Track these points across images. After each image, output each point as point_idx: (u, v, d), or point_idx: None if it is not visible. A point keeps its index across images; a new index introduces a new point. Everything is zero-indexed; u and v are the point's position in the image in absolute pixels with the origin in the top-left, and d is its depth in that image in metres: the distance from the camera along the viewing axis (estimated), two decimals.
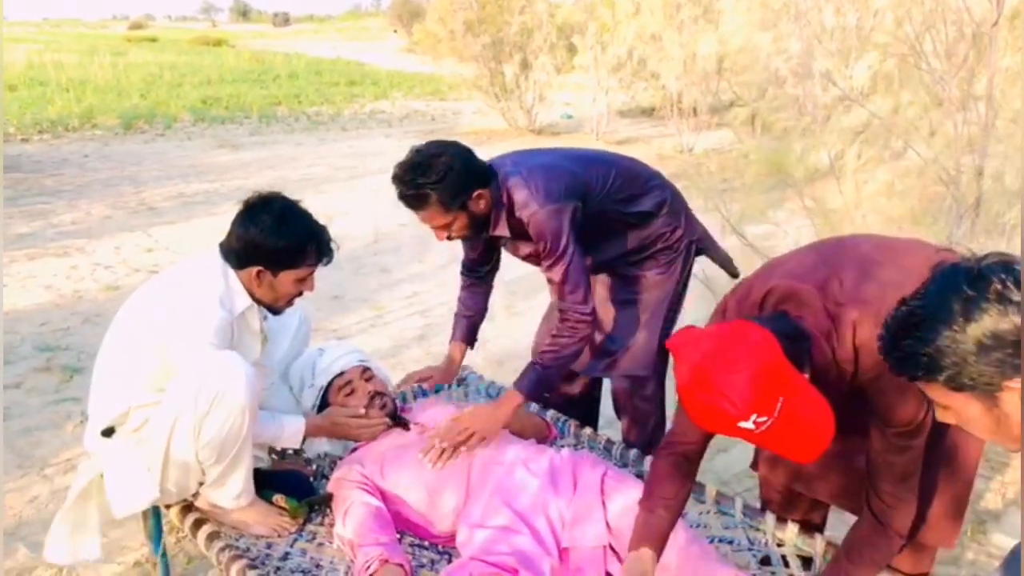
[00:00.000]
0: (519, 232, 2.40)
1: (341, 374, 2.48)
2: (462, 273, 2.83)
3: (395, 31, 30.71)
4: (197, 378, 1.97)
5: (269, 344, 2.41)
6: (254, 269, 2.10)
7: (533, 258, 2.49)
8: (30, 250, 6.03)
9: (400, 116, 14.21)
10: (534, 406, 2.74)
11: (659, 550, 1.81)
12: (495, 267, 2.79)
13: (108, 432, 2.10)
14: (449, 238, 2.41)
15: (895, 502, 1.66)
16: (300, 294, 2.22)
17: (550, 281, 2.45)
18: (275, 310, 2.23)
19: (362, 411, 2.36)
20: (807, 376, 1.51)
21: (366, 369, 2.50)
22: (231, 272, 2.13)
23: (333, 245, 2.21)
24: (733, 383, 1.40)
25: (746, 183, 3.57)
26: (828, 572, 1.78)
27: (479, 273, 2.79)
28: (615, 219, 2.52)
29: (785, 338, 1.48)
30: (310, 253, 2.14)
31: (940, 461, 1.87)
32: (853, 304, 1.58)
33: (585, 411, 2.88)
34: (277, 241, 2.09)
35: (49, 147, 10.39)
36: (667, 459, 1.87)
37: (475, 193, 2.32)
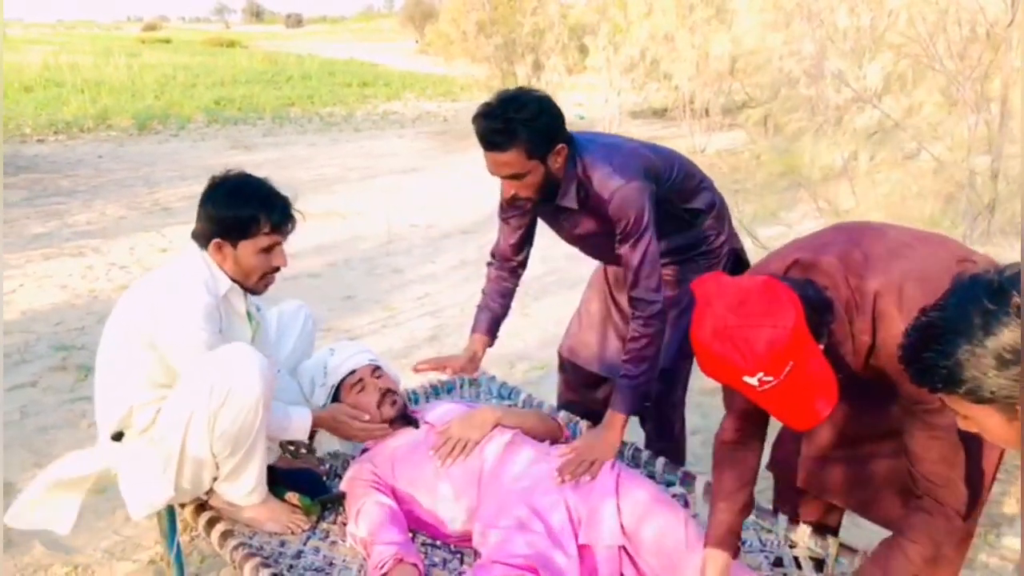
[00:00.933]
0: (587, 207, 2.30)
1: (352, 372, 2.48)
2: (490, 264, 2.71)
3: (416, 41, 30.59)
4: (211, 370, 1.99)
5: (273, 339, 2.42)
6: (214, 242, 2.12)
7: (593, 238, 2.39)
8: (46, 250, 6.08)
9: (412, 117, 14.25)
10: (547, 406, 2.75)
11: (730, 547, 1.85)
12: (525, 262, 2.68)
13: (117, 436, 2.12)
14: (514, 199, 2.30)
15: (942, 480, 1.61)
16: (275, 270, 2.21)
17: (625, 265, 2.30)
18: (251, 289, 2.22)
19: (366, 417, 2.37)
20: (822, 348, 1.51)
21: (377, 368, 2.51)
22: (210, 260, 2.15)
23: (295, 213, 2.19)
24: (750, 339, 1.41)
25: (758, 184, 3.57)
26: (881, 550, 1.69)
27: (510, 265, 2.67)
28: (670, 212, 2.43)
29: (810, 306, 1.48)
30: (263, 221, 2.12)
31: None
32: (874, 276, 1.58)
33: (594, 414, 2.86)
34: (229, 211, 2.12)
35: (64, 147, 10.47)
36: (719, 451, 1.91)
37: (558, 146, 2.19)
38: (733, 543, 1.87)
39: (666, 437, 2.72)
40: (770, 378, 1.42)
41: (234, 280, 2.17)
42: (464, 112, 14.69)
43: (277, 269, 2.21)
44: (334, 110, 14.90)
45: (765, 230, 3.83)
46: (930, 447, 1.60)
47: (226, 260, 2.14)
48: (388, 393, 2.41)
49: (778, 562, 2.08)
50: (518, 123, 2.11)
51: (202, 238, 2.15)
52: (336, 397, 2.47)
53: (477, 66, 11.85)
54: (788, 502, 2.21)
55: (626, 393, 2.30)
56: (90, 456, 2.23)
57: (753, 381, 1.43)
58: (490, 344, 2.70)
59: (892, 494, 1.90)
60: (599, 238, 2.36)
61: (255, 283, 2.20)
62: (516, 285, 2.69)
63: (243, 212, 2.12)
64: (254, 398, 2.00)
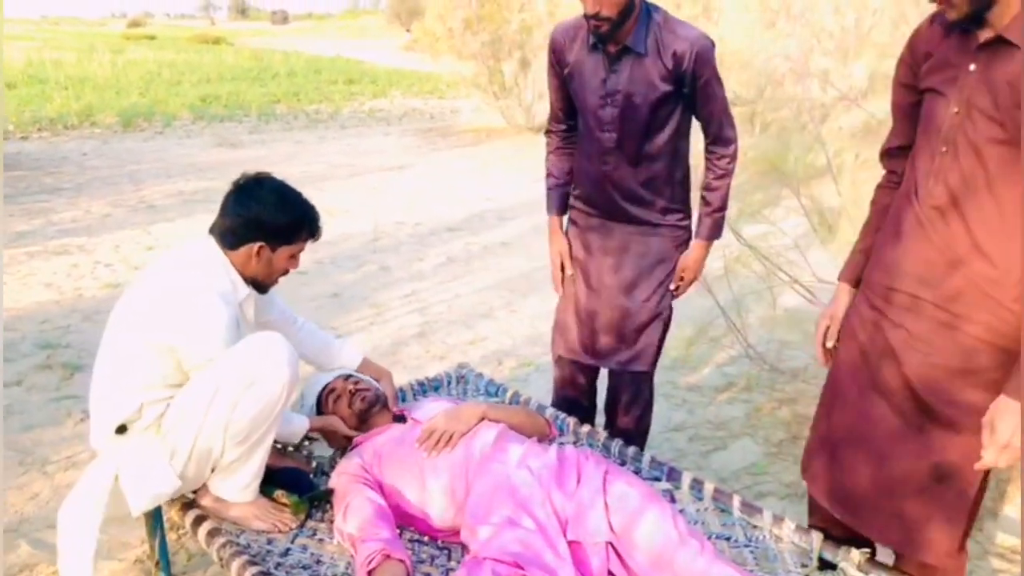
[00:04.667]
0: (652, 53, 2.37)
1: (325, 387, 2.58)
2: (547, 133, 2.77)
3: (408, 31, 30.39)
4: (242, 355, 2.03)
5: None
6: (255, 246, 2.15)
7: (632, 97, 2.42)
8: (30, 248, 6.03)
9: (399, 114, 14.22)
10: (534, 403, 2.76)
11: (854, 278, 2.03)
12: (576, 127, 2.67)
13: (121, 429, 2.11)
14: (596, 17, 2.28)
15: None
16: (287, 272, 2.29)
17: (708, 114, 2.47)
18: (264, 287, 2.28)
19: (352, 434, 2.46)
20: None
21: (348, 376, 2.61)
22: (228, 261, 2.17)
23: (321, 222, 2.29)
24: None
25: (743, 182, 3.58)
26: None
27: (565, 127, 2.70)
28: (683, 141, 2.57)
29: None
30: (306, 228, 2.23)
31: (941, 480, 1.83)
32: None
33: (588, 408, 2.90)
34: (280, 216, 2.17)
35: (48, 145, 10.40)
36: (883, 163, 2.02)
37: None
38: (853, 276, 2.03)
39: (639, 423, 2.78)
40: None
41: (253, 280, 2.22)
42: (450, 110, 14.69)
43: (288, 271, 2.30)
44: (320, 107, 14.85)
45: (750, 228, 3.85)
46: None
47: (259, 262, 2.18)
48: (358, 391, 2.51)
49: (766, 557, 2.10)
50: None
51: (235, 238, 2.15)
52: (319, 413, 2.59)
53: (463, 63, 11.80)
54: (819, 515, 2.16)
55: (708, 223, 2.59)
56: (98, 477, 2.18)
57: None
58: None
59: (917, 519, 1.88)
60: (639, 97, 2.41)
61: (272, 283, 2.29)
62: (573, 149, 2.72)
63: (292, 218, 2.19)
64: (280, 386, 2.04)
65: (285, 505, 2.22)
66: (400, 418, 2.46)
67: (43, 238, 6.31)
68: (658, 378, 3.95)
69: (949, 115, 1.70)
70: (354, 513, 2.08)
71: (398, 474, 2.22)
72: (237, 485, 2.15)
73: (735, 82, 7.72)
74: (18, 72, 17.20)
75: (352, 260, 5.94)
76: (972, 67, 1.66)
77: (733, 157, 2.52)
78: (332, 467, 2.43)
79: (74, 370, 3.96)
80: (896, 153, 1.97)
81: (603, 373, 2.85)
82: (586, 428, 2.63)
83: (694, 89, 2.40)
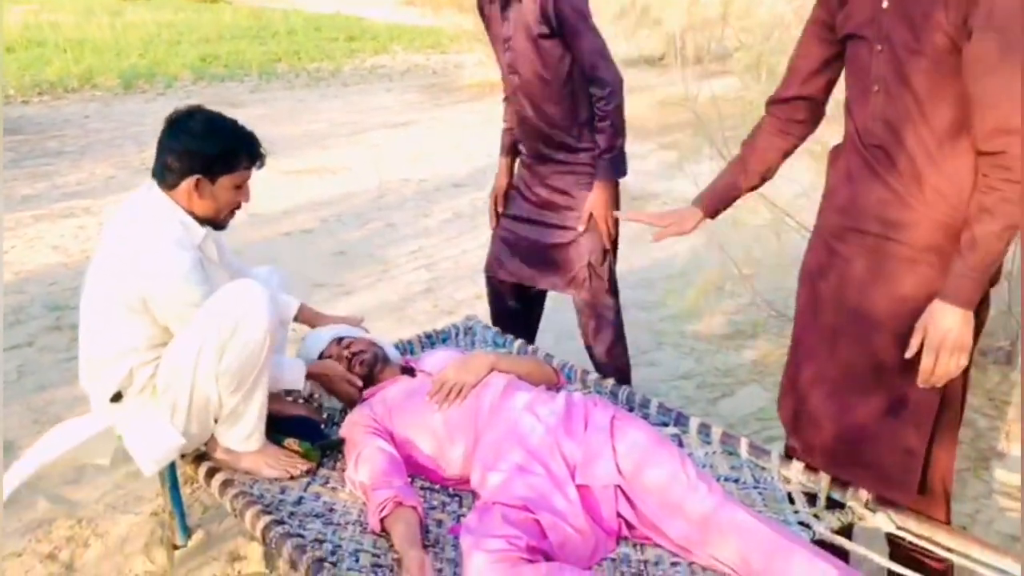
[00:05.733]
0: None
1: (321, 354, 2.53)
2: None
3: None
4: (220, 304, 2.02)
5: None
6: (192, 179, 2.08)
7: (524, 41, 2.64)
8: (36, 211, 6.04)
9: (401, 71, 14.06)
10: (542, 353, 2.77)
11: (710, 208, 2.16)
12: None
13: (116, 397, 2.13)
14: None
15: (1012, 96, 1.56)
16: (239, 206, 2.23)
17: (578, 57, 2.62)
18: (218, 224, 2.23)
19: (354, 384, 2.44)
20: None
21: (341, 339, 2.55)
22: (175, 204, 2.12)
23: (263, 149, 2.22)
24: None
25: (749, 130, 3.55)
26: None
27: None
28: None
29: None
30: (244, 155, 2.16)
31: (897, 412, 1.85)
32: None
33: (527, 323, 3.12)
34: (211, 145, 2.10)
35: (50, 108, 10.34)
36: (768, 107, 2.08)
37: None
38: (711, 205, 2.16)
39: (609, 351, 2.91)
40: None
41: (204, 219, 2.16)
42: (453, 64, 14.53)
43: (239, 206, 2.23)
44: (321, 65, 14.69)
45: None
46: (1007, 78, 1.55)
47: (202, 197, 2.12)
48: (355, 355, 2.47)
49: (773, 498, 2.12)
50: None
51: (174, 175, 2.10)
52: None
53: (465, 16, 11.61)
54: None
55: (607, 164, 2.69)
56: (91, 420, 2.23)
57: None
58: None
59: (871, 450, 1.90)
60: (523, 40, 2.64)
61: (224, 219, 2.22)
62: None
63: (225, 146, 2.12)
64: (263, 329, 2.04)
65: (296, 452, 2.24)
66: (408, 370, 2.47)
67: (48, 201, 6.31)
68: (665, 327, 3.97)
69: (874, 54, 1.74)
70: (365, 462, 2.10)
71: (409, 425, 2.24)
72: (241, 434, 2.17)
73: (740, 28, 7.59)
74: (16, 36, 17.02)
75: (357, 218, 5.93)
76: (885, 4, 1.70)
77: (609, 99, 2.61)
78: (343, 418, 2.45)
79: None
80: (784, 103, 2.04)
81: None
82: (593, 376, 2.64)
83: (563, 29, 2.58)
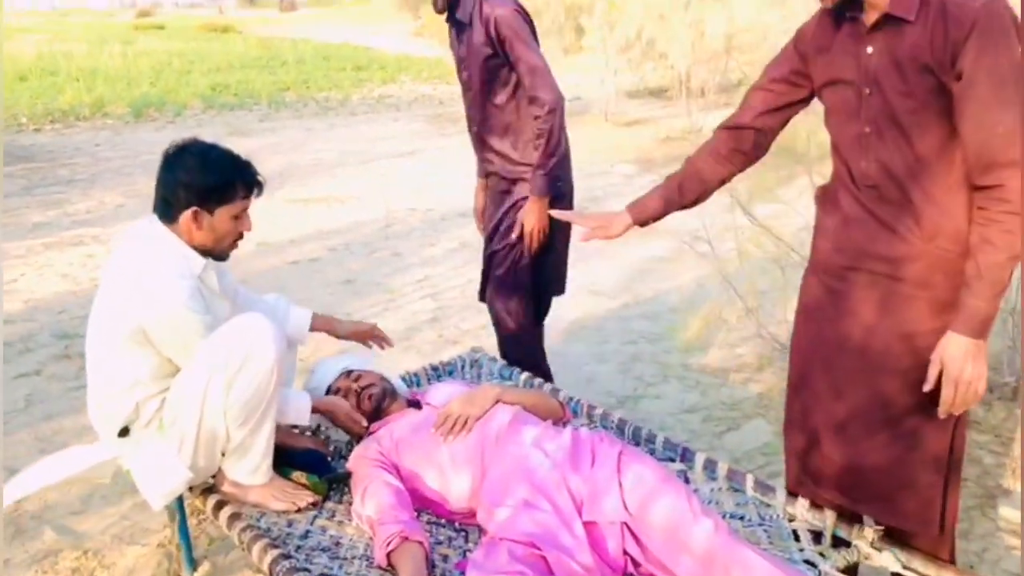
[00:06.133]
0: (477, 22, 2.75)
1: (329, 388, 2.54)
2: None
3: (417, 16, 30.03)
4: (227, 338, 2.04)
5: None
6: (189, 211, 2.10)
7: (474, 59, 2.79)
8: (46, 239, 6.09)
9: (408, 100, 14.20)
10: (547, 386, 2.78)
11: (640, 219, 2.17)
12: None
13: (124, 432, 2.15)
14: None
15: (1004, 131, 1.60)
16: (241, 236, 2.24)
17: (520, 77, 2.76)
18: (219, 255, 2.24)
19: (362, 422, 2.44)
20: None
21: (350, 372, 2.56)
22: (175, 236, 2.13)
23: (260, 177, 2.23)
24: None
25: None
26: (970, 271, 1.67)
27: None
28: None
29: None
30: (240, 186, 2.16)
31: (914, 447, 1.86)
32: None
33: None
34: (206, 177, 2.11)
35: (61, 136, 10.45)
36: (717, 132, 2.11)
37: None
38: (641, 214, 2.17)
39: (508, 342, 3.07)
40: None
41: (204, 251, 2.18)
42: (459, 94, 14.66)
43: (241, 236, 2.24)
44: (330, 94, 14.84)
45: (762, 208, 3.85)
46: (998, 97, 1.59)
47: (201, 229, 2.13)
48: (364, 389, 2.47)
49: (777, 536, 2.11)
50: None
51: (172, 208, 2.12)
52: None
53: None
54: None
55: (541, 180, 2.77)
56: (96, 450, 2.25)
57: None
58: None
59: (889, 487, 1.90)
60: (474, 62, 2.80)
61: (225, 249, 2.23)
62: None
63: (220, 178, 2.13)
64: (269, 363, 2.06)
65: (303, 485, 2.25)
66: (415, 403, 2.48)
67: (59, 229, 6.37)
68: (671, 360, 3.98)
69: (864, 97, 1.78)
70: (372, 496, 2.11)
71: (415, 459, 2.24)
72: (248, 467, 2.18)
73: (745, 62, 7.67)
74: (30, 65, 17.24)
75: (364, 247, 5.96)
76: (869, 49, 1.75)
77: (547, 117, 2.72)
78: (349, 451, 2.45)
79: None
80: (734, 130, 2.08)
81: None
82: (600, 410, 2.65)
83: (504, 50, 2.73)
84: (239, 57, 20.94)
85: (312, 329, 2.64)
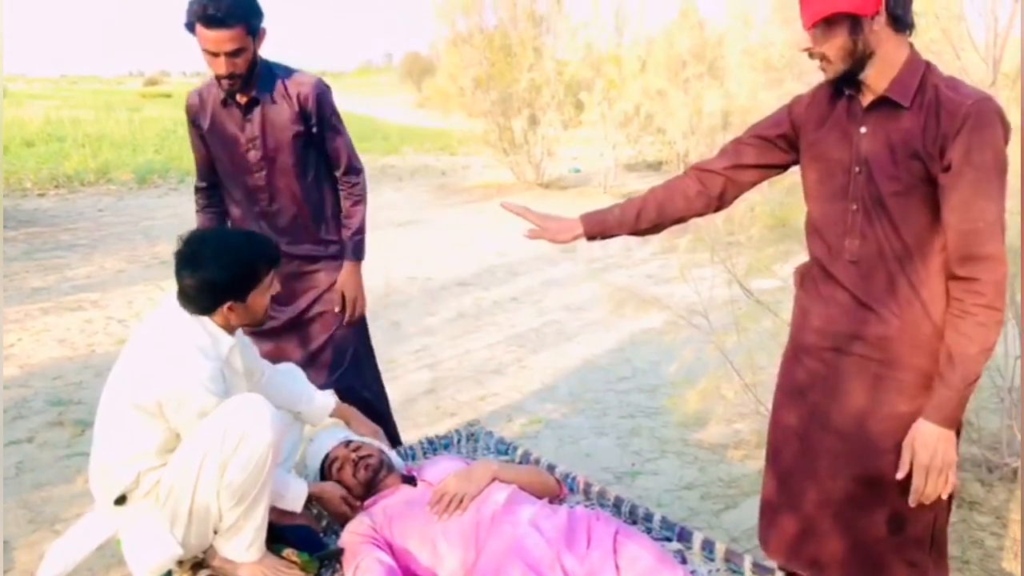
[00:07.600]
0: (280, 97, 2.76)
1: (327, 456, 2.56)
2: (196, 191, 3.20)
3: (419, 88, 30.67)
4: (224, 418, 2.02)
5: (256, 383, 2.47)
6: (225, 307, 2.13)
7: (278, 134, 2.77)
8: (45, 304, 6.10)
9: (411, 170, 14.40)
10: (544, 461, 2.75)
11: (592, 232, 2.13)
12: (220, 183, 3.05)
13: (121, 500, 2.12)
14: (230, 76, 2.61)
15: (989, 219, 1.64)
16: (274, 300, 2.32)
17: (336, 151, 2.87)
18: (259, 324, 2.32)
19: (352, 506, 2.43)
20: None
21: (349, 442, 2.58)
22: (205, 319, 2.15)
23: (277, 247, 2.29)
24: None
25: (752, 237, 3.60)
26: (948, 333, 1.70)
27: (208, 183, 3.15)
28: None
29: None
30: (262, 266, 2.21)
31: (898, 530, 1.86)
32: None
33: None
34: (230, 272, 2.13)
35: (65, 202, 10.56)
36: (689, 171, 2.11)
37: (263, 29, 2.65)
38: (593, 227, 2.13)
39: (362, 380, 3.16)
40: None
41: (244, 326, 2.24)
42: (461, 166, 14.87)
43: (275, 298, 2.30)
44: None
45: (759, 283, 3.87)
46: (979, 186, 1.63)
47: (239, 316, 2.18)
48: (361, 459, 2.48)
49: None
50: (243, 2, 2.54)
51: (202, 306, 2.13)
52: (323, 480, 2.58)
53: (474, 121, 11.98)
54: None
55: (351, 245, 2.99)
56: (96, 526, 2.21)
57: None
58: None
59: (890, 571, 1.89)
60: (275, 138, 2.77)
61: (263, 319, 2.29)
62: (218, 210, 3.20)
63: (242, 268, 2.15)
64: (265, 445, 2.04)
65: (295, 563, 2.21)
66: (410, 479, 2.46)
67: (58, 294, 6.38)
68: (669, 434, 3.95)
69: (852, 175, 1.81)
70: (364, 573, 2.07)
71: (409, 535, 2.21)
72: (240, 546, 2.14)
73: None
74: (37, 130, 17.52)
75: None
76: (863, 129, 1.79)
77: (363, 183, 2.95)
78: (342, 526, 2.42)
79: (85, 427, 3.97)
80: (707, 172, 2.08)
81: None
82: (597, 488, 2.62)
83: (321, 127, 2.80)
84: None
85: (332, 415, 2.71)
